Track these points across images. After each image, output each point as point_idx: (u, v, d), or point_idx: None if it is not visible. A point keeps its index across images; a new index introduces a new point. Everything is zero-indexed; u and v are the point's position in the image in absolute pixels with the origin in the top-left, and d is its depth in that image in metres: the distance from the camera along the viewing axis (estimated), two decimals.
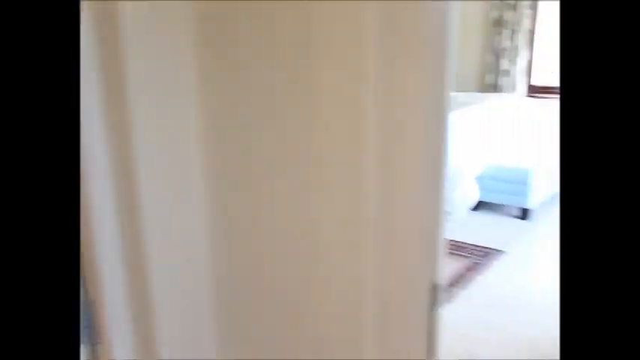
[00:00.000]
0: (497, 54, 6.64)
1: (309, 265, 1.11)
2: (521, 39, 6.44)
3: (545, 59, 6.75)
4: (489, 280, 3.71)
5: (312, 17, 0.98)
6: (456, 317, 3.24)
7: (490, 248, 4.16)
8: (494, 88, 6.72)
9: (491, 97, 5.98)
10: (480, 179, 4.75)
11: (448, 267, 3.85)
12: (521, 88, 6.61)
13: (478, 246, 4.21)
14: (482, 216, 4.83)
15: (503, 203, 4.81)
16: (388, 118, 0.97)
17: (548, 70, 6.79)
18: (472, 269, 3.85)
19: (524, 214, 4.72)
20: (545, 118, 5.71)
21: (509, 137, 5.13)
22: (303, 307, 1.12)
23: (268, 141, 1.09)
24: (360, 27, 0.94)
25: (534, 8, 6.45)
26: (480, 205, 4.87)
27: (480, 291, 3.56)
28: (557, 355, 2.89)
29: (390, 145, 0.98)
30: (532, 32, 6.53)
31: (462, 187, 4.64)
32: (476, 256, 4.04)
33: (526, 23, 6.41)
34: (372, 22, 0.92)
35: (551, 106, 6.24)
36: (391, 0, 0.91)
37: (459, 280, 3.69)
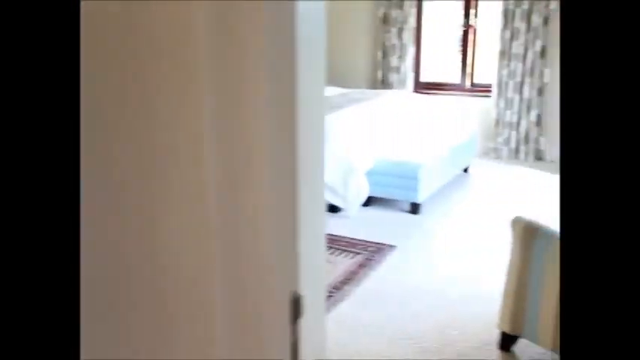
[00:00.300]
0: (386, 51, 6.77)
1: (153, 284, 1.02)
2: (408, 36, 6.60)
3: (430, 56, 6.96)
4: (382, 275, 3.75)
5: (137, 20, 0.90)
6: (350, 315, 3.24)
7: (382, 244, 4.21)
8: (386, 84, 6.86)
9: (383, 93, 6.09)
10: (371, 174, 4.79)
11: (340, 265, 3.86)
12: (411, 84, 6.78)
13: (370, 242, 4.24)
14: (374, 211, 4.88)
15: (394, 198, 4.88)
16: (228, 123, 0.90)
17: (434, 66, 7.01)
18: (365, 265, 3.87)
19: (414, 208, 4.81)
20: (432, 113, 5.87)
21: (399, 132, 5.23)
22: (150, 327, 1.04)
23: (103, 147, 1.00)
24: (190, 28, 0.87)
25: (419, 6, 6.62)
26: (371, 201, 4.92)
27: (373, 287, 3.59)
28: (444, 349, 2.94)
29: (233, 151, 0.91)
30: (418, 30, 6.71)
31: (353, 184, 4.66)
32: (368, 252, 4.07)
33: (412, 21, 6.58)
34: (202, 22, 0.85)
35: (438, 102, 6.45)
36: (225, 0, 0.84)
37: (351, 278, 3.70)
